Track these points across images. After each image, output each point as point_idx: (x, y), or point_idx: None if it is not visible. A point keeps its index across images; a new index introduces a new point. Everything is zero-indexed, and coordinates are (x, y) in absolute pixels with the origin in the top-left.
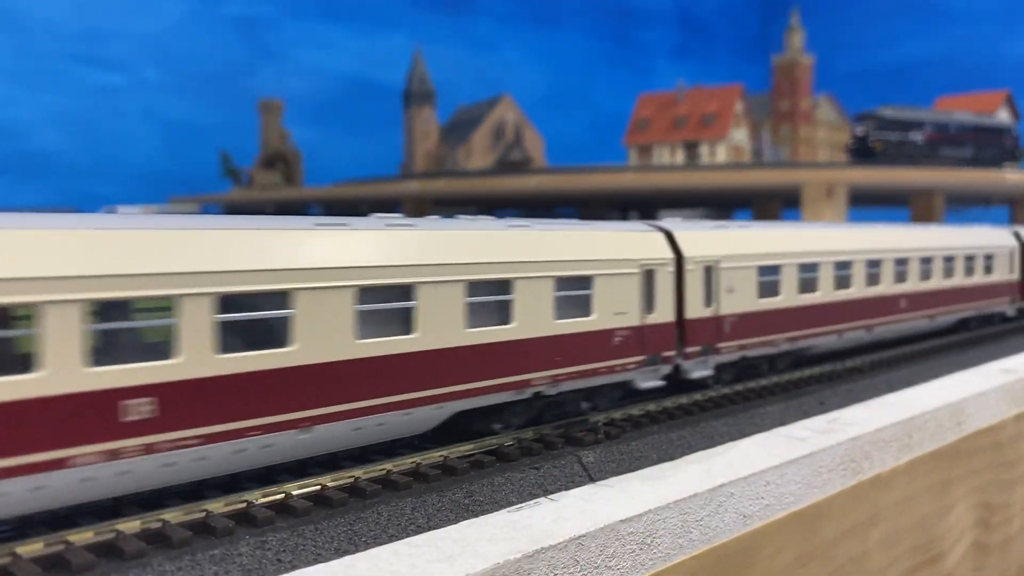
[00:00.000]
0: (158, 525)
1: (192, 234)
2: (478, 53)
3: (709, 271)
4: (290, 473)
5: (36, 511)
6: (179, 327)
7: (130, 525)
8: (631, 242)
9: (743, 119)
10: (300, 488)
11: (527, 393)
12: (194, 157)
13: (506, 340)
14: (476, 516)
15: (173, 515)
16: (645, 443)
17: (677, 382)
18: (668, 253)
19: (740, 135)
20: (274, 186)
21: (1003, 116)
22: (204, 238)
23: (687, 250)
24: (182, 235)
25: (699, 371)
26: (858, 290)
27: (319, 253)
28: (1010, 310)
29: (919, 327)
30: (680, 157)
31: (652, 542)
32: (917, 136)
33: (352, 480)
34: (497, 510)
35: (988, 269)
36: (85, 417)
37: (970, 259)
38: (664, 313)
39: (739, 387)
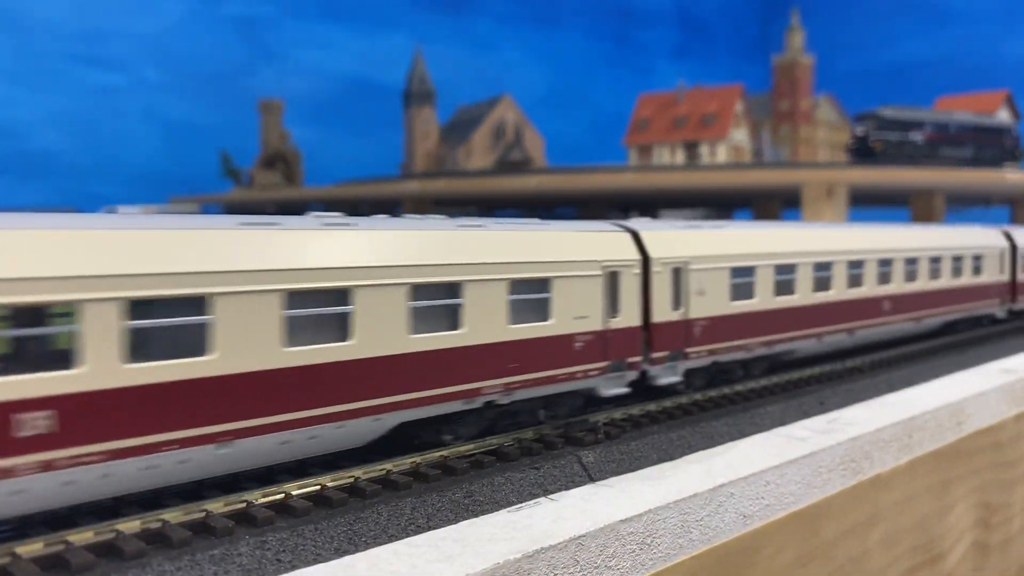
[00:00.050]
0: (158, 525)
1: (99, 235)
2: (478, 53)
3: (678, 273)
4: (290, 473)
5: None
6: (82, 335)
7: (130, 525)
8: (593, 243)
9: (743, 119)
10: (300, 488)
11: (478, 402)
12: (194, 157)
13: (454, 347)
14: (476, 516)
15: (173, 515)
16: (645, 443)
17: (644, 389)
18: (634, 254)
19: (740, 135)
20: (274, 186)
21: (1003, 116)
22: (113, 239)
23: (654, 251)
24: (87, 236)
25: (667, 377)
26: (839, 292)
27: (242, 255)
28: (1000, 312)
29: (904, 330)
30: (680, 157)
31: (652, 542)
32: (917, 136)
33: (352, 480)
34: (497, 510)
35: (977, 270)
36: None
37: (958, 260)
38: (629, 317)
39: (739, 387)
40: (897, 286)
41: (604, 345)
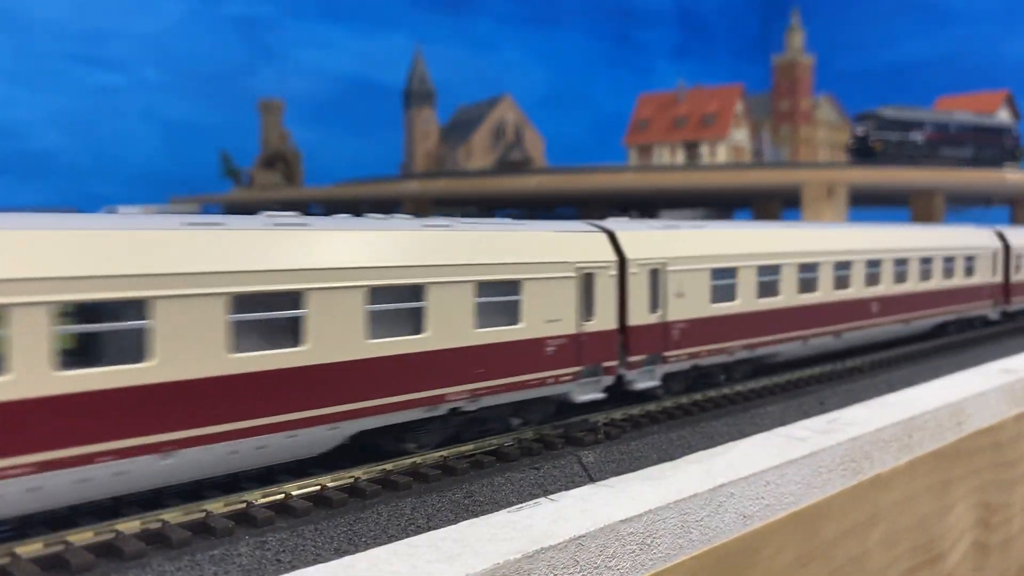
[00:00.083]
0: (158, 525)
1: (30, 236)
2: (478, 53)
3: (655, 274)
4: (289, 473)
5: None
6: (9, 340)
7: (130, 525)
8: (567, 243)
9: (743, 119)
10: (300, 488)
11: (441, 409)
12: (194, 157)
13: (416, 352)
14: (476, 516)
15: (173, 515)
16: (645, 443)
17: (621, 394)
18: (609, 255)
19: (740, 135)
20: (274, 186)
21: (1003, 116)
22: (44, 240)
23: (630, 252)
24: (17, 237)
25: (644, 382)
26: (824, 294)
27: (183, 257)
28: (992, 313)
29: (893, 332)
30: (680, 157)
31: (652, 542)
32: (917, 136)
33: (352, 480)
34: (497, 510)
35: (969, 271)
36: None
37: (949, 260)
38: (605, 320)
39: (739, 387)
40: (886, 287)
41: (578, 349)
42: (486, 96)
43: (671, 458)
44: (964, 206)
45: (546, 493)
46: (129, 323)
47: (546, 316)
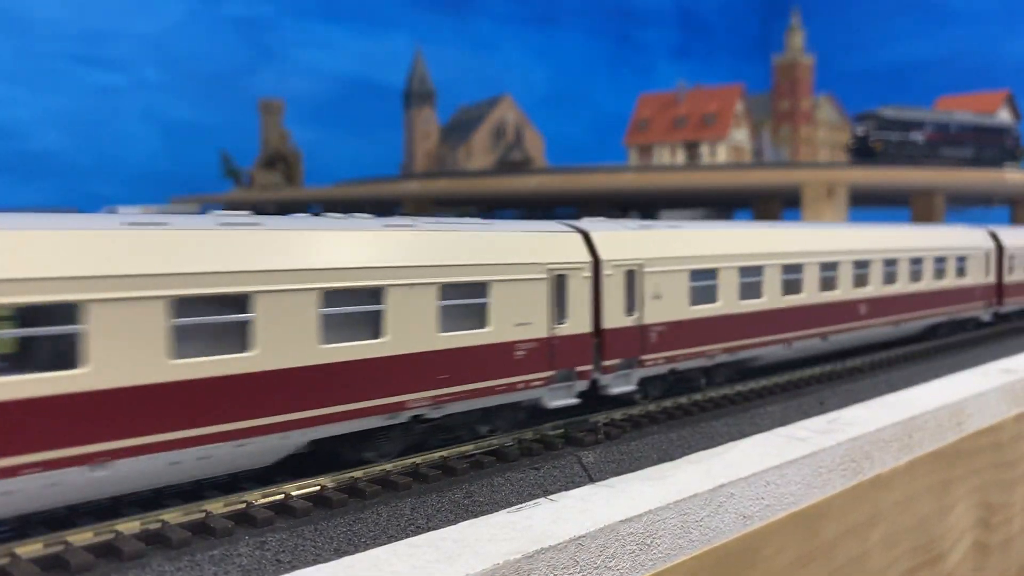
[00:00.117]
0: (157, 525)
1: None
2: (478, 53)
3: (631, 276)
4: (289, 474)
5: None
6: None
7: (129, 525)
8: (538, 244)
9: (743, 119)
10: (299, 489)
11: (402, 417)
12: (194, 157)
13: (374, 357)
14: (476, 516)
15: (172, 515)
16: (645, 443)
17: (596, 399)
18: (583, 256)
19: (740, 135)
20: (274, 186)
21: (1003, 116)
22: None
23: (605, 253)
24: None
25: (620, 386)
26: (810, 295)
27: (120, 258)
28: (985, 315)
29: (882, 334)
30: (680, 157)
31: (652, 542)
32: (918, 136)
33: (351, 480)
34: (497, 510)
35: (961, 271)
36: None
37: (940, 261)
38: (578, 323)
39: (739, 387)
40: (875, 289)
41: (549, 353)
42: (486, 96)
43: (671, 458)
44: (964, 206)
45: (546, 493)
46: (61, 328)
47: (515, 319)
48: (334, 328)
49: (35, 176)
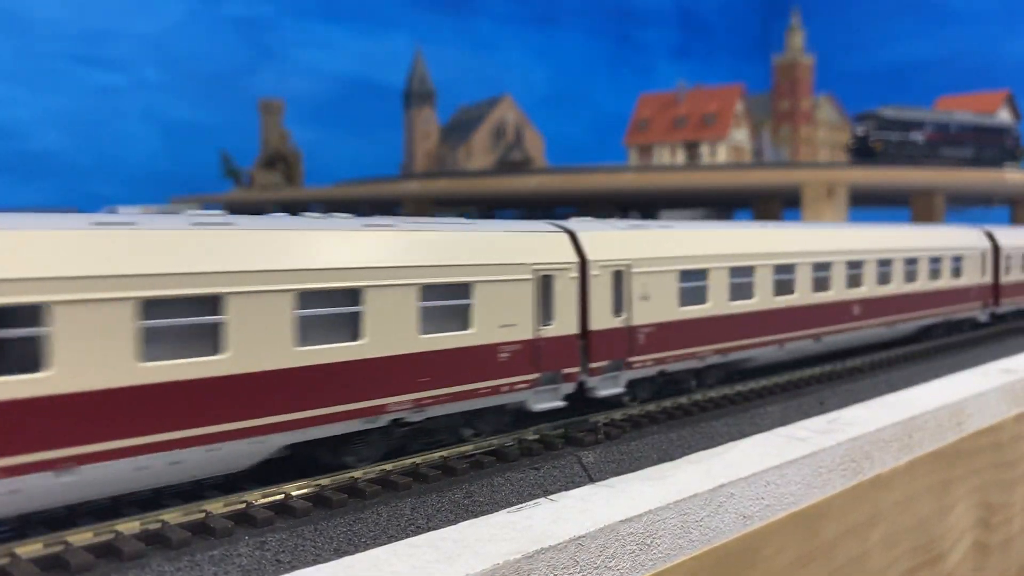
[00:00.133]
0: (157, 526)
1: None
2: (478, 53)
3: (619, 276)
4: (289, 474)
5: None
6: None
7: (129, 526)
8: (523, 244)
9: (743, 119)
10: (299, 489)
11: (382, 420)
12: (195, 157)
13: (352, 359)
14: (476, 516)
15: (172, 515)
16: (645, 443)
17: (584, 401)
18: (570, 256)
19: (740, 135)
20: (274, 186)
21: (1004, 116)
22: None
23: (592, 253)
24: None
25: (607, 389)
26: (803, 296)
27: (87, 259)
28: (982, 316)
29: (876, 335)
30: (681, 157)
31: (652, 542)
32: (918, 136)
33: (351, 480)
34: (497, 510)
35: (956, 272)
36: None
37: (935, 261)
38: (565, 325)
39: (739, 387)
40: (868, 289)
41: (535, 355)
42: (486, 96)
43: (671, 458)
44: (964, 206)
45: (546, 493)
46: (25, 330)
47: (500, 321)
48: (310, 330)
49: (35, 176)
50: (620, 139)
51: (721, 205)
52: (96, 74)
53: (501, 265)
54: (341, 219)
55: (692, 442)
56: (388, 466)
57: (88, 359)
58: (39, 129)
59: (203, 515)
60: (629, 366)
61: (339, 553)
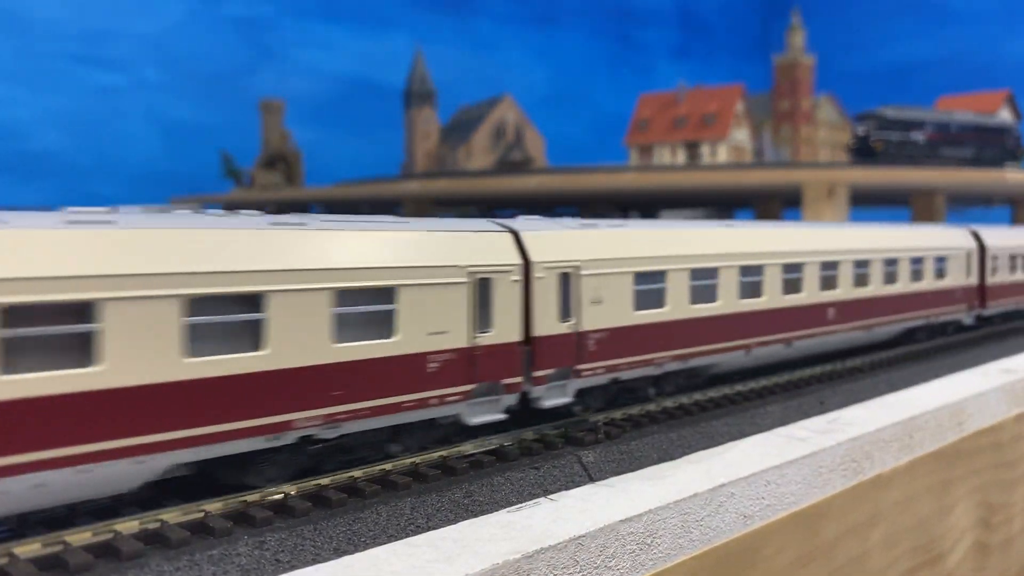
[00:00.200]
0: (156, 525)
1: None
2: (478, 53)
3: (567, 279)
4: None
5: None
6: None
7: (128, 525)
8: (458, 245)
9: (744, 119)
10: (298, 488)
11: (288, 438)
12: (195, 157)
13: (252, 372)
14: (475, 516)
15: (171, 515)
16: (645, 443)
17: (529, 413)
18: (511, 258)
19: (741, 135)
20: (275, 186)
21: (1004, 116)
22: None
23: (536, 254)
24: None
25: (554, 398)
26: (772, 299)
27: None
28: (967, 318)
29: (853, 339)
30: (681, 157)
31: (652, 542)
32: (918, 136)
33: (351, 480)
34: (496, 510)
35: (940, 273)
36: None
37: (917, 262)
38: (505, 331)
39: (739, 387)
40: (844, 291)
41: (470, 365)
42: (486, 96)
43: (671, 458)
44: (965, 206)
45: (546, 493)
46: None
47: (429, 328)
48: (203, 340)
49: (35, 176)
50: (620, 139)
51: (721, 205)
52: (96, 74)
53: (431, 267)
54: (245, 217)
55: (692, 442)
56: (388, 466)
57: None
58: (39, 129)
59: (202, 515)
60: (578, 374)
61: (338, 553)
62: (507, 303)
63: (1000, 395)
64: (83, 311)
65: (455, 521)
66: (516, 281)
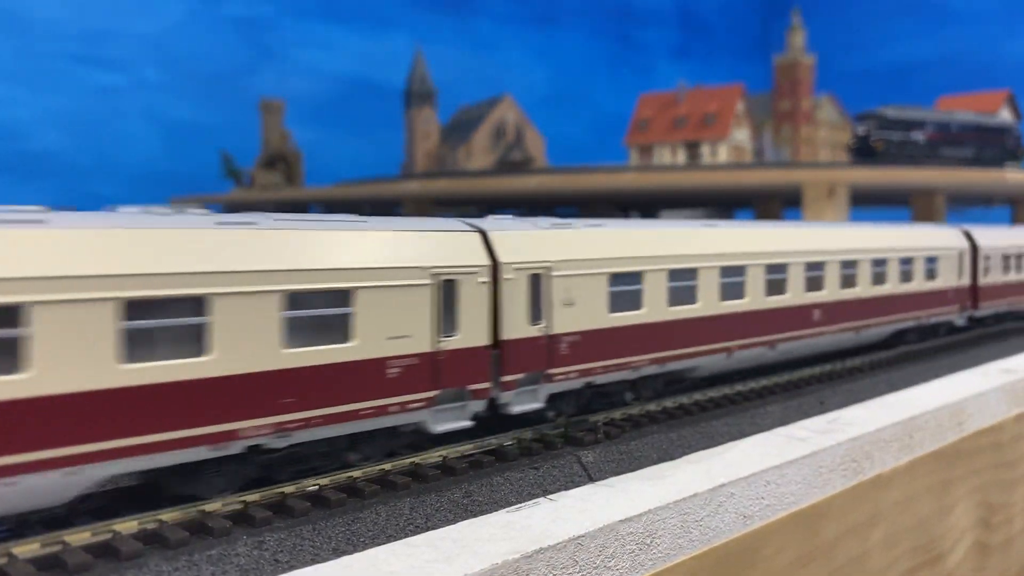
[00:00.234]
0: (155, 525)
1: None
2: (478, 53)
3: (537, 280)
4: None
5: None
6: None
7: (127, 525)
8: (421, 245)
9: (744, 119)
10: (298, 488)
11: (234, 448)
12: (195, 157)
13: (193, 378)
14: (475, 516)
15: (170, 515)
16: (645, 443)
17: (498, 419)
18: (479, 259)
19: (741, 135)
20: (275, 186)
21: (1004, 116)
22: None
23: (505, 255)
24: None
25: (524, 404)
26: (754, 300)
27: None
28: (959, 320)
29: (840, 341)
30: (681, 157)
31: (652, 542)
32: (918, 136)
33: (350, 480)
34: (496, 510)
35: (931, 274)
36: None
37: (907, 262)
38: (472, 335)
39: (739, 387)
40: (830, 292)
41: (433, 370)
42: (486, 96)
43: (671, 458)
44: (965, 206)
45: (545, 493)
46: None
47: (389, 332)
48: (139, 345)
49: (35, 176)
50: (620, 139)
51: (722, 205)
52: (96, 74)
53: (391, 269)
54: (191, 216)
55: (692, 442)
56: (387, 466)
57: None
58: (39, 129)
59: (201, 515)
60: (549, 379)
61: (337, 553)
62: (474, 305)
63: (1000, 395)
64: (9, 315)
65: (454, 521)
66: (483, 283)
